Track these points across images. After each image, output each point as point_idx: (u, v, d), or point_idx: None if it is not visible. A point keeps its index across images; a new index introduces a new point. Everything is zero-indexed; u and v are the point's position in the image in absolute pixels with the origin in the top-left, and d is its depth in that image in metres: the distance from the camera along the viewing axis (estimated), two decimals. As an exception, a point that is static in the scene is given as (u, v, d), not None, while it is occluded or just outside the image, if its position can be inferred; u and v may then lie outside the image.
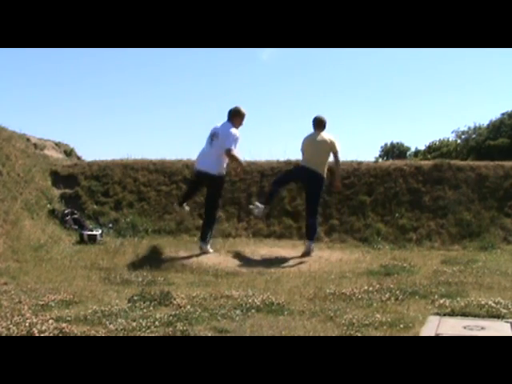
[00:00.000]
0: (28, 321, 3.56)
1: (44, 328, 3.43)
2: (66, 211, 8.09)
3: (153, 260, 6.28)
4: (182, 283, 5.13)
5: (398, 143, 47.32)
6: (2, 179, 7.59)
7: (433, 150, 39.47)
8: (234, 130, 6.64)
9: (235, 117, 6.72)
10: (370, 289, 4.72)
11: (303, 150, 7.06)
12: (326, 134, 6.97)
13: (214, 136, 6.70)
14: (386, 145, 47.90)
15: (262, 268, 5.92)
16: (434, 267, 5.92)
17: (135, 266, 5.89)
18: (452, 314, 3.95)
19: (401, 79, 75.43)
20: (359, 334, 3.48)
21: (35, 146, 9.66)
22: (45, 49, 68.23)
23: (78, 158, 10.67)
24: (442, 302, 4.26)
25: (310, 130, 7.09)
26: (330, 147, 6.90)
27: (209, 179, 6.69)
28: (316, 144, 6.91)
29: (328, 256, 6.71)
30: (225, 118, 6.79)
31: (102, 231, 7.80)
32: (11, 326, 3.46)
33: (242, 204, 8.47)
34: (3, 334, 3.31)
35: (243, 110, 6.77)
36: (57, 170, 9.09)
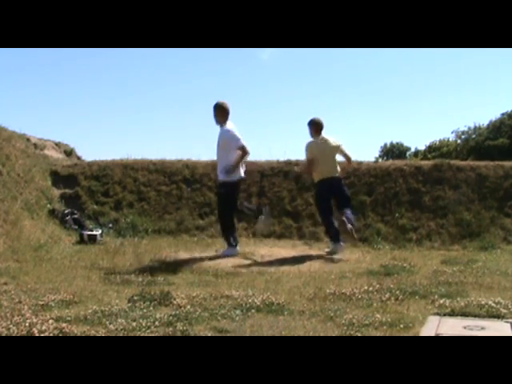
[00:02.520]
0: (28, 321, 3.55)
1: (44, 328, 3.43)
2: (66, 211, 8.10)
3: (153, 260, 6.28)
4: (182, 283, 5.13)
5: (397, 143, 47.27)
6: (2, 179, 7.59)
7: (433, 149, 39.46)
8: (229, 128, 6.60)
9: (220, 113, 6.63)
10: (370, 289, 4.72)
11: (318, 160, 6.87)
12: (330, 138, 6.96)
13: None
14: (385, 145, 47.86)
15: (262, 268, 5.92)
16: (434, 267, 5.92)
17: (135, 266, 5.89)
18: (452, 314, 3.95)
19: (401, 79, 75.41)
20: (359, 334, 3.48)
21: (35, 146, 9.66)
22: (45, 49, 68.26)
23: (78, 158, 10.68)
24: (442, 302, 4.26)
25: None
26: (338, 149, 7.02)
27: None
28: (328, 150, 6.91)
29: (328, 256, 6.71)
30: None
31: (102, 231, 7.81)
32: (11, 326, 3.45)
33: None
34: (3, 334, 3.31)
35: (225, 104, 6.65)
36: (57, 170, 9.09)
